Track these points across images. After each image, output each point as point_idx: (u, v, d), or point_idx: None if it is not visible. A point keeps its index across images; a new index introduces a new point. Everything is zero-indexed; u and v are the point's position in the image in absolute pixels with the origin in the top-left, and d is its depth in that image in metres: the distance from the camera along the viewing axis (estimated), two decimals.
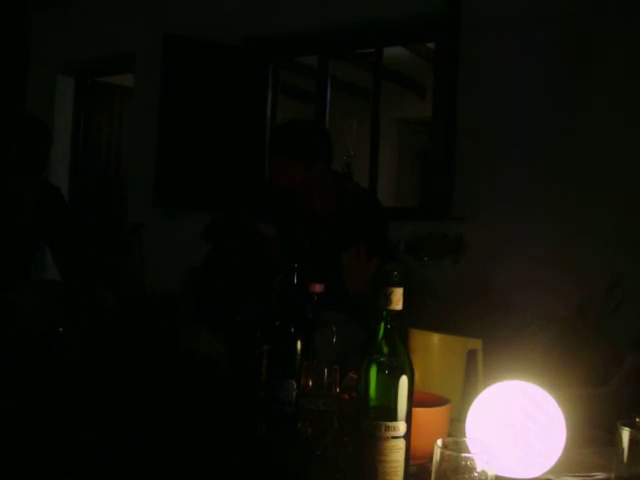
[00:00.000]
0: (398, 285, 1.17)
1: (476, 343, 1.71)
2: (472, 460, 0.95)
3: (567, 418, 1.29)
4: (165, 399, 1.71)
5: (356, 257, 2.39)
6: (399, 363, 1.15)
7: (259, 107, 4.74)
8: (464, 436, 1.31)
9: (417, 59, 5.87)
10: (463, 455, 0.96)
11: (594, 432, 1.54)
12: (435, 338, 1.72)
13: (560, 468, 1.30)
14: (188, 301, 2.80)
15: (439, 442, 0.98)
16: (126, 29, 5.13)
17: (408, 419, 1.15)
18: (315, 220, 2.69)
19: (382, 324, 1.17)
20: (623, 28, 3.40)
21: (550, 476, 1.30)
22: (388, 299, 1.16)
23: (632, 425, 1.11)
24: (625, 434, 1.10)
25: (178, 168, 4.60)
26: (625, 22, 3.39)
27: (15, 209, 2.56)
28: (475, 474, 0.94)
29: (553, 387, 1.33)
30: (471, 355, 1.70)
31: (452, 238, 2.09)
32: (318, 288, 1.67)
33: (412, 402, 1.16)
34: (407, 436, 1.15)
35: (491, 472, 0.96)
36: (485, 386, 1.38)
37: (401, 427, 1.14)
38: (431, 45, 4.47)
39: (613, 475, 1.13)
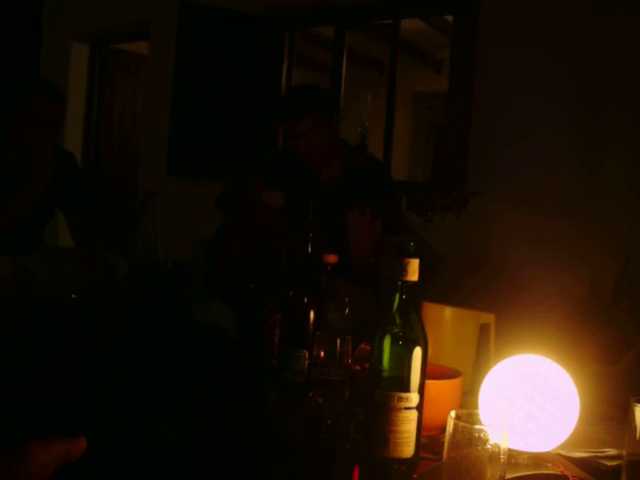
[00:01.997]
0: (414, 256, 1.16)
1: (489, 317, 1.70)
2: (485, 432, 0.95)
3: (580, 395, 1.28)
4: (176, 368, 1.72)
5: (360, 216, 2.40)
6: (413, 334, 1.15)
7: (274, 77, 4.71)
8: (476, 409, 1.31)
9: (434, 32, 5.81)
10: (477, 427, 0.95)
11: (607, 409, 1.54)
12: (448, 311, 1.71)
13: (571, 443, 1.30)
14: (198, 270, 2.80)
15: (453, 414, 0.98)
16: None
17: (421, 390, 1.15)
18: (322, 189, 2.68)
19: (397, 295, 1.16)
20: None
21: (561, 451, 1.29)
22: (404, 270, 1.15)
23: None
24: (638, 411, 1.09)
25: (192, 136, 4.59)
26: None
27: (30, 175, 2.56)
28: (488, 446, 0.94)
29: (566, 364, 1.32)
30: (484, 329, 1.69)
31: (455, 192, 2.08)
32: (332, 258, 1.66)
33: (425, 374, 1.16)
34: (419, 407, 1.15)
35: (504, 445, 0.95)
36: (497, 360, 1.38)
37: (414, 398, 1.14)
38: (449, 18, 4.41)
39: (625, 452, 1.12)
